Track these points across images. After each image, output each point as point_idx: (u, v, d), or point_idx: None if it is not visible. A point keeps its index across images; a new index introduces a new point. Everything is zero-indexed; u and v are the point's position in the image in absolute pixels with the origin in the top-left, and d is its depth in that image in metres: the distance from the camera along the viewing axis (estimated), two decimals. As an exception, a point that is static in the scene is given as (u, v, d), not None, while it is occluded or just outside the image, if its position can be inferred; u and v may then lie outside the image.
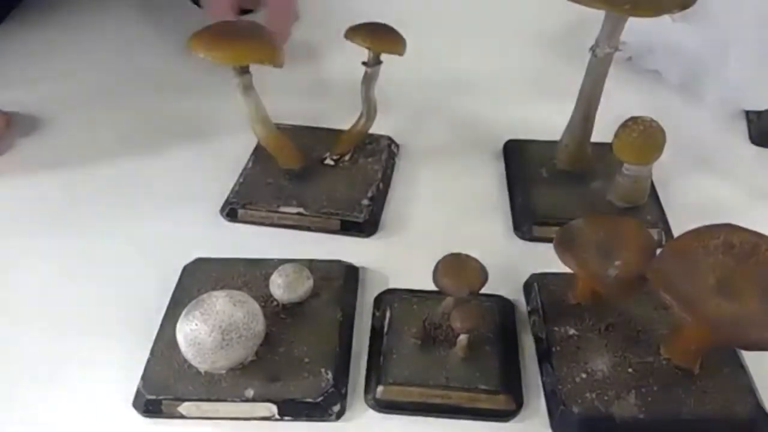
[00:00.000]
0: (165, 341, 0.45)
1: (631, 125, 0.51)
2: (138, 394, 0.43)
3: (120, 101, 0.70)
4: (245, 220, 0.56)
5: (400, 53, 0.56)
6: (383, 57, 0.56)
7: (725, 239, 0.40)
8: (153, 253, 0.53)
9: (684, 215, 0.54)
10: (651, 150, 0.51)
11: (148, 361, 0.45)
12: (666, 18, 0.69)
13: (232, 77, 0.53)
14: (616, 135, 0.52)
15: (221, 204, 0.57)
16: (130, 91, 0.71)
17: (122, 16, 0.82)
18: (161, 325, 0.47)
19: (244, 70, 0.53)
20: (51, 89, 0.70)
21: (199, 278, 0.50)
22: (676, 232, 0.54)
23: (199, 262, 0.51)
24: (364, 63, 0.56)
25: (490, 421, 0.43)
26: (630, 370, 0.44)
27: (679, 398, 0.42)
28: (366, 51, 0.56)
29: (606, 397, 0.42)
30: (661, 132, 0.51)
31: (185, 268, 0.51)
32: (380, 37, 0.55)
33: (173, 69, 0.72)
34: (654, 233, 0.52)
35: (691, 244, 0.40)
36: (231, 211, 0.56)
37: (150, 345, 0.46)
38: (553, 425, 0.43)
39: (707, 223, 0.42)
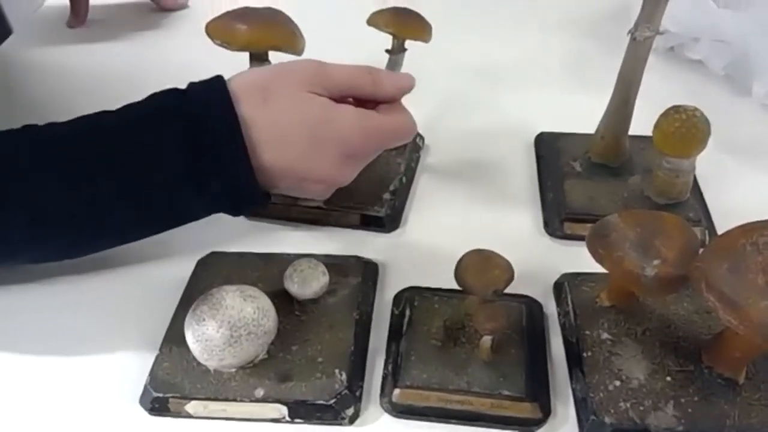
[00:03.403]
0: (175, 337, 0.43)
1: (673, 114, 0.48)
2: (145, 391, 0.42)
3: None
4: (263, 214, 0.54)
5: (426, 40, 0.53)
6: (408, 44, 0.54)
7: (776, 236, 0.37)
8: (167, 246, 0.52)
9: (729, 213, 0.50)
10: (694, 141, 0.48)
11: (157, 357, 0.43)
12: (710, 4, 0.65)
13: (250, 67, 0.51)
14: (656, 125, 0.49)
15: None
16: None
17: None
18: (172, 321, 0.45)
19: (262, 58, 0.51)
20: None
21: (212, 272, 0.48)
22: (721, 230, 0.50)
23: (214, 255, 0.50)
24: (387, 50, 0.54)
25: (515, 430, 0.40)
26: (668, 378, 0.41)
27: (722, 410, 0.39)
28: (390, 37, 0.53)
29: (642, 408, 0.39)
30: (706, 122, 0.48)
31: (199, 262, 0.49)
32: (405, 23, 0.53)
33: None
34: (697, 232, 0.49)
35: (738, 240, 0.37)
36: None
37: (160, 341, 0.44)
38: (583, 436, 0.40)
39: (755, 221, 0.38)
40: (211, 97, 0.43)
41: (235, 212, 0.46)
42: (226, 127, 0.42)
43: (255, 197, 0.45)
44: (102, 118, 0.44)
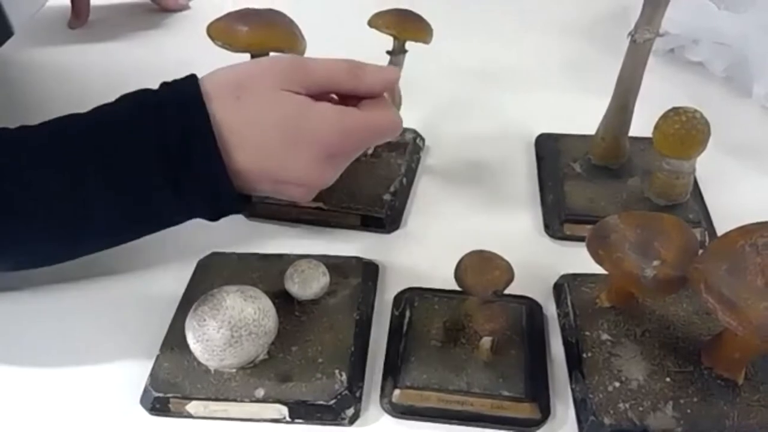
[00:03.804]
0: (175, 338, 0.44)
1: (673, 116, 0.48)
2: (145, 391, 0.42)
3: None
4: (263, 214, 0.54)
5: (427, 41, 0.53)
6: (409, 45, 0.54)
7: (776, 238, 0.37)
8: (168, 247, 0.52)
9: (729, 214, 0.50)
10: (693, 142, 0.48)
11: (158, 357, 0.43)
12: (711, 6, 0.65)
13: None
14: (656, 126, 0.49)
15: (239, 197, 0.55)
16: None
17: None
18: (172, 321, 0.45)
19: (263, 59, 0.51)
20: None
21: (213, 273, 0.48)
22: (721, 232, 0.50)
23: (214, 256, 0.50)
24: (388, 52, 0.54)
25: (514, 430, 0.40)
26: (668, 379, 0.41)
27: (722, 411, 0.39)
28: (391, 39, 0.53)
29: (641, 408, 0.39)
30: (705, 123, 0.48)
31: (199, 263, 0.50)
32: (406, 24, 0.52)
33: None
34: (696, 233, 0.48)
35: (737, 241, 0.37)
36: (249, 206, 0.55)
37: (160, 341, 0.44)
38: (582, 437, 0.40)
39: (755, 222, 0.39)
40: (182, 98, 0.41)
41: (212, 215, 0.44)
42: (197, 127, 0.40)
43: (231, 200, 0.43)
44: (71, 121, 0.42)
